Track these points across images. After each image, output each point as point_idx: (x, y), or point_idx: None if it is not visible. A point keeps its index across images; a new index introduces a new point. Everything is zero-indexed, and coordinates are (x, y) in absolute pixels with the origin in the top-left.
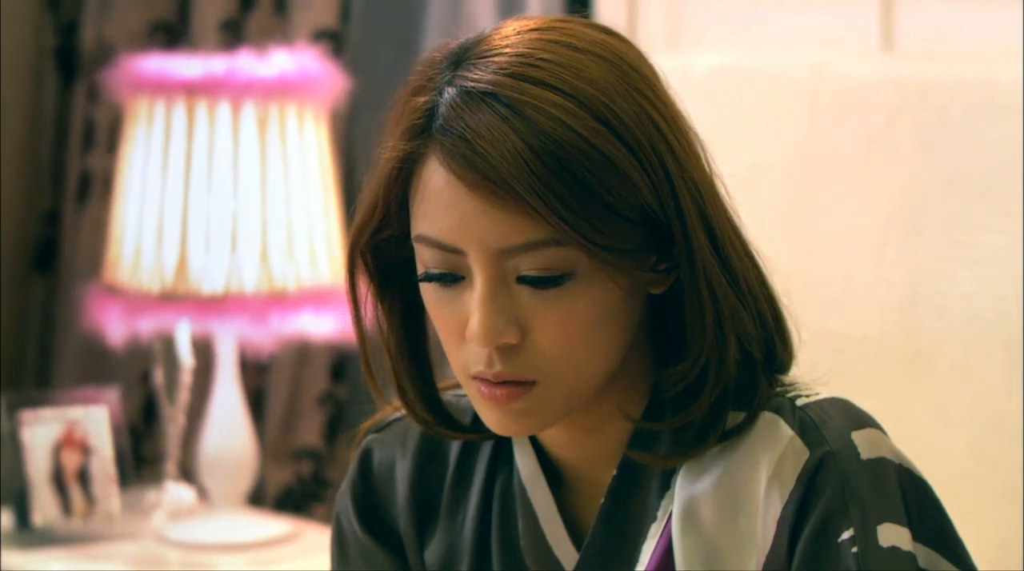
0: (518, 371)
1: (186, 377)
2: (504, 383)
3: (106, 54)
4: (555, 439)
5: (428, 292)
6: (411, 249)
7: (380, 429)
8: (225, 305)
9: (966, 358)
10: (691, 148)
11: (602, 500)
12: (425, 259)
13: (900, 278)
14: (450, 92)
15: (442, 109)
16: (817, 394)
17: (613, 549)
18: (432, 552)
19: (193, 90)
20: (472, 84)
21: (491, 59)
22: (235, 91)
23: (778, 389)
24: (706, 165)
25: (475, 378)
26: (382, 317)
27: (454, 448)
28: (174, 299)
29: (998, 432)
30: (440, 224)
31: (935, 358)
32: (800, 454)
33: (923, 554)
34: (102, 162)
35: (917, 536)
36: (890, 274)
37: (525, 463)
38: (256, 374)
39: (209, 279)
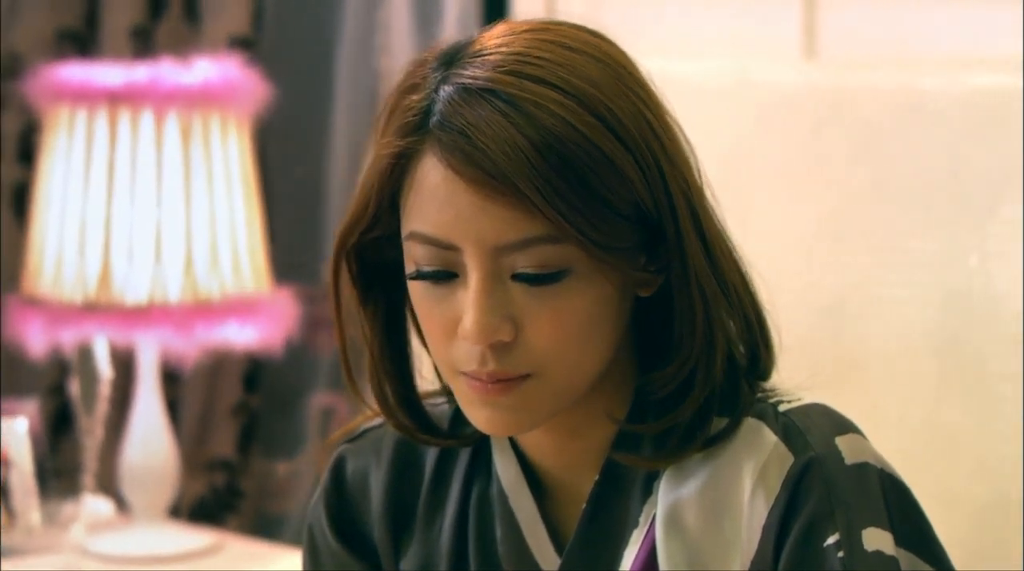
0: (511, 369)
1: (104, 389)
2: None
3: (13, 63)
4: (538, 445)
5: (418, 290)
6: (395, 251)
7: (353, 439)
8: (149, 315)
9: (896, 365)
10: (681, 150)
11: (584, 505)
12: (417, 257)
13: (829, 285)
14: (447, 89)
15: (439, 106)
16: (799, 400)
17: (595, 554)
18: (408, 561)
19: (115, 99)
20: (470, 81)
21: (487, 58)
22: (158, 100)
23: (760, 395)
24: (695, 167)
25: (465, 375)
26: (365, 322)
27: (430, 458)
28: (97, 310)
29: (930, 438)
30: (435, 220)
31: (865, 365)
32: (785, 459)
33: (905, 558)
34: (13, 172)
35: (899, 540)
36: (819, 281)
37: (506, 470)
38: (169, 384)
39: (133, 289)
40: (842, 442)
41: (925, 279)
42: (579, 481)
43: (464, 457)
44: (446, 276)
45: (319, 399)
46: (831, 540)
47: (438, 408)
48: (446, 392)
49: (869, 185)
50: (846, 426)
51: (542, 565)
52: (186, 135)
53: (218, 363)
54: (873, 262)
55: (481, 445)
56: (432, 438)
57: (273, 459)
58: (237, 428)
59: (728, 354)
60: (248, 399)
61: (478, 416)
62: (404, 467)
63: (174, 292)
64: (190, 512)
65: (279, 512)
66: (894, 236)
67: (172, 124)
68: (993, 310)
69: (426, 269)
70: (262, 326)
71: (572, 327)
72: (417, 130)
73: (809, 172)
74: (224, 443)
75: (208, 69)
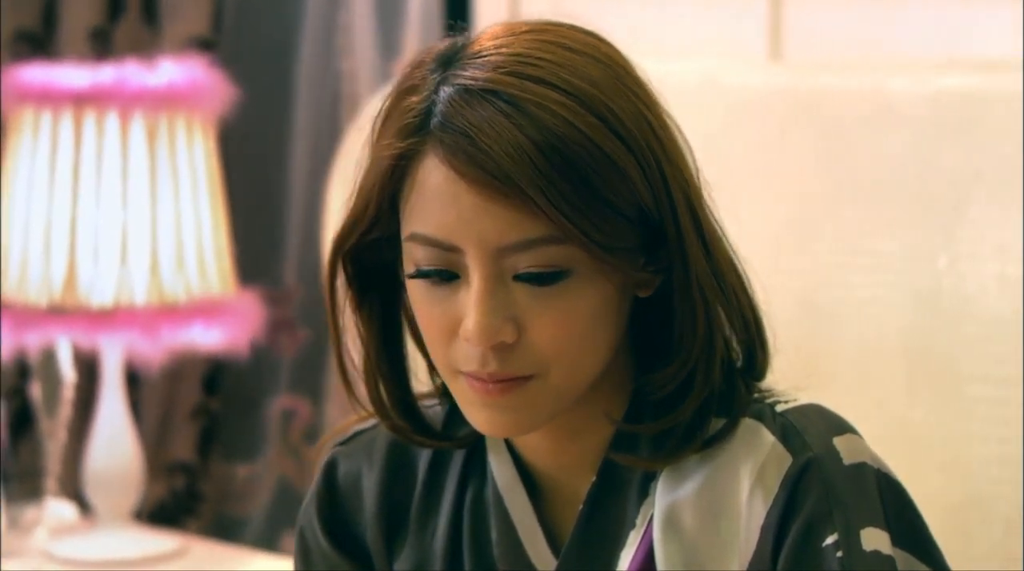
0: (513, 370)
1: (67, 392)
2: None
3: None
4: (535, 446)
5: (418, 291)
6: (391, 253)
7: (344, 442)
8: (115, 318)
9: (865, 365)
10: (680, 150)
11: (580, 507)
12: (417, 258)
13: (796, 287)
14: (447, 90)
15: (440, 106)
16: (796, 400)
17: (591, 555)
18: (402, 564)
19: (80, 100)
20: (471, 82)
21: (487, 59)
22: (124, 101)
23: (756, 395)
24: (693, 168)
25: (465, 376)
26: (360, 324)
27: (423, 461)
28: (63, 312)
29: (899, 439)
30: (437, 222)
31: (834, 366)
32: (783, 460)
33: (901, 558)
34: None
35: (896, 540)
36: (786, 283)
37: (502, 472)
38: (129, 387)
39: (98, 292)
40: (840, 442)
41: (893, 280)
42: (575, 482)
43: (458, 459)
44: (448, 277)
45: (279, 402)
46: (830, 540)
47: (431, 410)
48: (439, 394)
49: (837, 186)
50: (843, 426)
51: (538, 566)
52: (152, 137)
53: (178, 365)
54: (841, 263)
55: (475, 447)
56: (427, 439)
57: (233, 462)
58: (197, 431)
59: (725, 354)
60: (208, 402)
61: (478, 417)
62: (397, 469)
63: (140, 294)
64: (150, 515)
65: (239, 515)
66: (862, 237)
67: (138, 126)
68: (962, 311)
69: (427, 269)
70: (228, 328)
71: (574, 328)
72: (418, 131)
73: (776, 174)
74: (184, 446)
75: (173, 71)
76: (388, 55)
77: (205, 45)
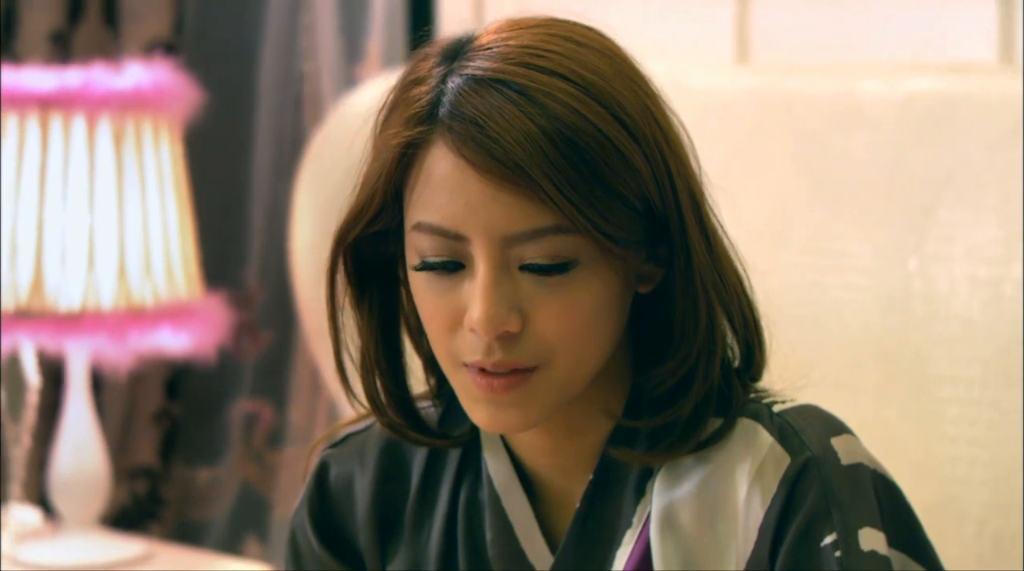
0: (517, 359)
1: (32, 397)
2: (501, 374)
3: None
4: (533, 445)
5: (421, 281)
6: (391, 247)
7: (335, 444)
8: (82, 323)
9: (835, 366)
10: (682, 144)
11: (577, 506)
12: (422, 248)
13: (767, 289)
14: (455, 80)
15: (448, 95)
16: (793, 401)
17: (588, 553)
18: (396, 566)
19: (47, 104)
20: (480, 72)
21: (495, 50)
22: (91, 104)
23: (752, 396)
24: (695, 164)
25: (469, 368)
26: (359, 319)
27: (417, 462)
28: (30, 317)
29: (871, 440)
30: (445, 210)
31: (805, 368)
32: (781, 460)
33: (897, 558)
34: None
35: (892, 541)
36: (757, 285)
37: (499, 471)
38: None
39: (66, 296)
40: (837, 443)
41: (864, 281)
42: (571, 482)
43: (452, 461)
44: (454, 266)
45: (241, 405)
46: (828, 540)
47: (425, 411)
48: (434, 396)
49: (807, 189)
50: (840, 427)
51: (535, 565)
52: (118, 140)
53: (140, 370)
54: (812, 265)
55: (469, 448)
56: (422, 437)
57: (195, 466)
58: (159, 435)
59: (724, 353)
60: (170, 406)
61: (480, 413)
62: (391, 471)
63: (107, 299)
64: (112, 520)
65: (201, 519)
66: (832, 239)
67: (104, 129)
68: (932, 312)
69: (432, 259)
70: (195, 332)
71: (578, 319)
72: (426, 120)
73: (746, 176)
74: (146, 450)
75: (140, 73)
76: (352, 58)
77: (166, 47)
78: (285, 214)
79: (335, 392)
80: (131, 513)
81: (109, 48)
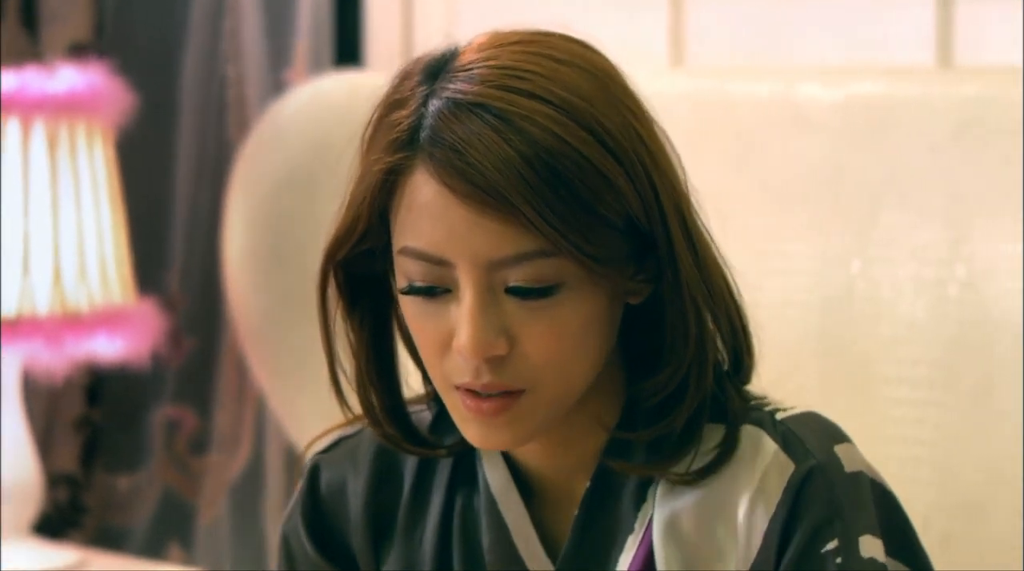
0: (506, 380)
1: None
2: (491, 395)
3: None
4: (529, 451)
5: (410, 305)
6: (382, 262)
7: (327, 449)
8: (18, 329)
9: (779, 368)
10: (669, 159)
11: (576, 511)
12: (409, 272)
13: None
14: (435, 103)
15: (428, 120)
16: (794, 408)
17: (589, 557)
18: (389, 567)
19: None
20: (459, 96)
21: (475, 71)
22: (25, 108)
23: (753, 403)
24: (681, 176)
25: (460, 390)
26: (351, 332)
27: (409, 466)
28: None
29: None
30: (428, 236)
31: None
32: (785, 467)
33: (893, 566)
34: None
35: (888, 549)
36: None
37: (496, 477)
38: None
39: (1, 302)
40: (840, 450)
41: (807, 283)
42: (570, 485)
43: (446, 467)
44: (439, 291)
45: (163, 412)
46: (830, 546)
47: (418, 415)
48: (428, 398)
49: (747, 192)
50: (841, 435)
51: (532, 569)
52: (52, 144)
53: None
54: (754, 269)
55: (464, 453)
56: (417, 448)
57: (116, 473)
58: (80, 442)
59: (715, 359)
60: (90, 412)
61: (472, 432)
62: (383, 475)
63: (43, 304)
64: (34, 529)
65: (121, 526)
66: (774, 241)
67: (39, 133)
68: (876, 313)
69: (419, 285)
70: (129, 338)
71: (566, 339)
72: (407, 146)
73: (688, 177)
74: (67, 457)
75: (73, 77)
76: (278, 63)
77: (86, 50)
78: (209, 219)
79: (262, 399)
80: (53, 521)
81: (28, 51)
